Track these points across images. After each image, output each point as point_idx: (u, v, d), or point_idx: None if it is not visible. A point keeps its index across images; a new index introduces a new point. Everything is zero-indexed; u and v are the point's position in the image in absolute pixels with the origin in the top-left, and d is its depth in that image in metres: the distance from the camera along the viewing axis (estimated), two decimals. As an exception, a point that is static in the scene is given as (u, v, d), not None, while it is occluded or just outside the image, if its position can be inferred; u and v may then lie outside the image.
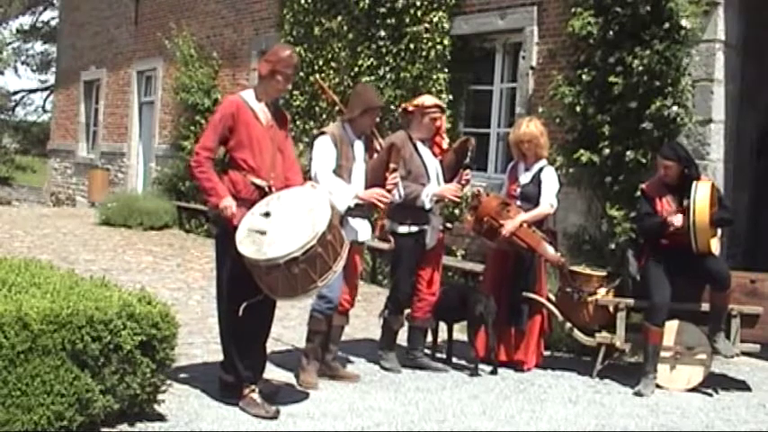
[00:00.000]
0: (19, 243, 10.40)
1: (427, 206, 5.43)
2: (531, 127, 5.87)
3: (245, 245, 4.23)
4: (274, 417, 4.34)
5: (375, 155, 5.26)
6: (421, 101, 5.63)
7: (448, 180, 5.58)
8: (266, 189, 4.48)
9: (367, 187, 5.07)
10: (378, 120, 5.78)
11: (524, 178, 5.88)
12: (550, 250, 5.70)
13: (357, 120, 5.10)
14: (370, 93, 5.34)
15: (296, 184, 4.61)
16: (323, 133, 5.09)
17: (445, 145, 5.68)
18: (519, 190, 5.84)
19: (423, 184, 5.43)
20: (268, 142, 4.54)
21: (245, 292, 4.33)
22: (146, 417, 4.08)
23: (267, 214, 4.31)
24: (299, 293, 4.34)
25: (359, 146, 5.15)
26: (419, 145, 5.52)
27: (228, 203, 4.37)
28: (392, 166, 5.06)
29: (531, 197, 5.78)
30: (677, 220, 5.37)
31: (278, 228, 4.24)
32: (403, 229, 5.43)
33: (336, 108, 5.55)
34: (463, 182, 5.51)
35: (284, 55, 4.57)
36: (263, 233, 4.23)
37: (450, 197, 5.53)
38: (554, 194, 5.81)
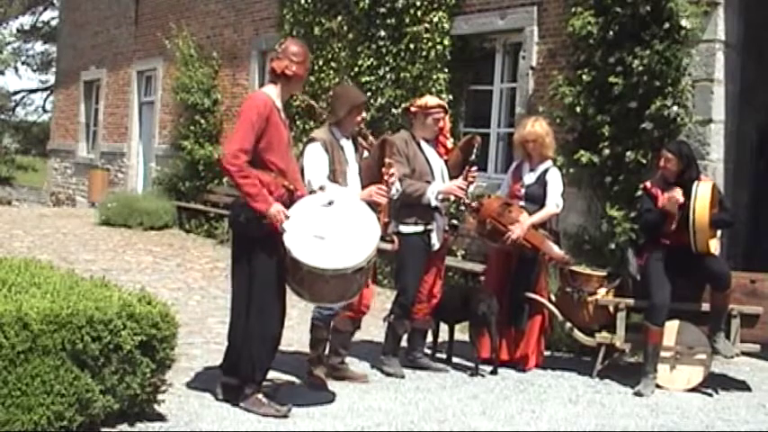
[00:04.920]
0: (19, 243, 10.40)
1: (433, 203, 5.39)
2: (536, 127, 5.86)
3: (304, 253, 4.23)
4: (286, 415, 4.35)
5: (365, 153, 5.21)
6: (424, 101, 5.61)
7: (453, 179, 5.54)
8: (295, 192, 4.47)
9: (363, 187, 5.01)
10: (377, 118, 5.79)
11: (529, 179, 5.86)
12: (555, 248, 5.69)
13: (344, 120, 5.03)
14: (352, 91, 5.29)
15: (300, 186, 4.61)
16: (312, 140, 4.99)
17: (450, 144, 5.66)
18: (523, 190, 5.83)
19: (428, 182, 5.41)
20: (287, 143, 4.53)
21: (284, 296, 4.44)
22: (146, 417, 4.08)
23: (330, 203, 4.37)
24: (347, 298, 4.52)
25: (349, 147, 5.08)
26: (423, 144, 5.51)
27: (280, 209, 4.28)
28: (387, 161, 5.00)
29: (535, 198, 5.78)
30: (678, 193, 5.32)
31: (336, 237, 4.32)
32: (407, 229, 5.39)
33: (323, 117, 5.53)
34: (470, 179, 5.48)
35: (306, 50, 4.61)
36: (321, 237, 4.29)
37: (457, 193, 5.47)
38: (560, 195, 5.81)
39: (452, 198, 5.60)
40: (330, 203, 4.33)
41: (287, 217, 4.29)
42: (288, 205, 4.38)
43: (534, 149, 5.85)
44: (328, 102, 5.42)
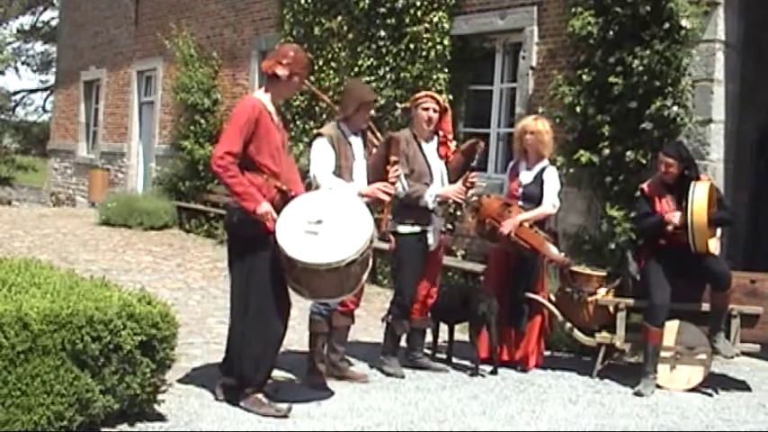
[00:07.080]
0: (19, 243, 10.40)
1: (430, 206, 5.39)
2: (538, 123, 5.89)
3: (297, 250, 4.24)
4: (286, 415, 4.34)
5: (373, 150, 5.22)
6: (415, 95, 5.65)
7: (453, 182, 5.54)
8: (288, 193, 4.46)
9: (369, 183, 5.03)
10: (377, 118, 5.79)
11: (526, 178, 5.86)
12: (554, 250, 5.69)
13: (352, 117, 5.07)
14: (362, 88, 5.32)
15: (297, 187, 4.61)
16: (319, 135, 5.05)
17: (452, 147, 5.65)
18: (521, 190, 5.83)
19: (426, 183, 5.40)
20: (281, 146, 4.53)
21: (285, 295, 4.43)
22: (146, 417, 4.08)
23: (319, 221, 4.34)
24: (346, 292, 4.50)
25: (357, 143, 5.12)
26: (423, 144, 5.51)
27: (268, 209, 4.30)
28: (393, 158, 5.00)
29: (533, 197, 5.77)
30: (676, 217, 5.38)
31: (329, 232, 4.32)
32: (404, 229, 5.39)
33: (329, 110, 5.55)
34: (468, 184, 5.46)
35: (300, 56, 4.56)
36: (315, 233, 4.29)
37: (455, 198, 5.46)
38: (556, 194, 5.80)
39: (450, 201, 5.59)
40: (318, 222, 4.34)
41: (275, 219, 4.30)
42: (280, 206, 4.38)
43: (532, 144, 5.83)
44: (337, 98, 5.44)
